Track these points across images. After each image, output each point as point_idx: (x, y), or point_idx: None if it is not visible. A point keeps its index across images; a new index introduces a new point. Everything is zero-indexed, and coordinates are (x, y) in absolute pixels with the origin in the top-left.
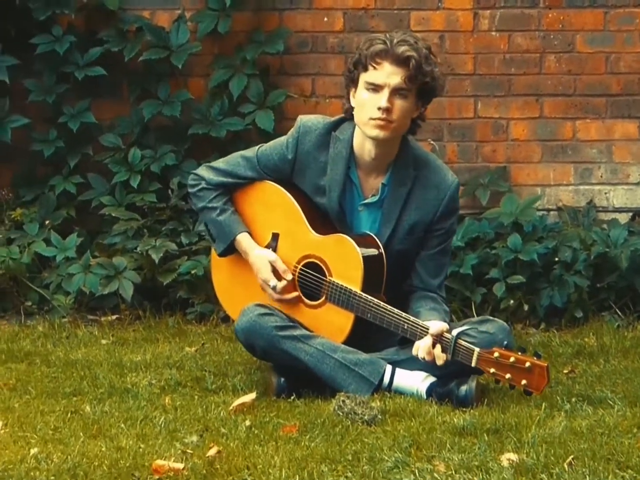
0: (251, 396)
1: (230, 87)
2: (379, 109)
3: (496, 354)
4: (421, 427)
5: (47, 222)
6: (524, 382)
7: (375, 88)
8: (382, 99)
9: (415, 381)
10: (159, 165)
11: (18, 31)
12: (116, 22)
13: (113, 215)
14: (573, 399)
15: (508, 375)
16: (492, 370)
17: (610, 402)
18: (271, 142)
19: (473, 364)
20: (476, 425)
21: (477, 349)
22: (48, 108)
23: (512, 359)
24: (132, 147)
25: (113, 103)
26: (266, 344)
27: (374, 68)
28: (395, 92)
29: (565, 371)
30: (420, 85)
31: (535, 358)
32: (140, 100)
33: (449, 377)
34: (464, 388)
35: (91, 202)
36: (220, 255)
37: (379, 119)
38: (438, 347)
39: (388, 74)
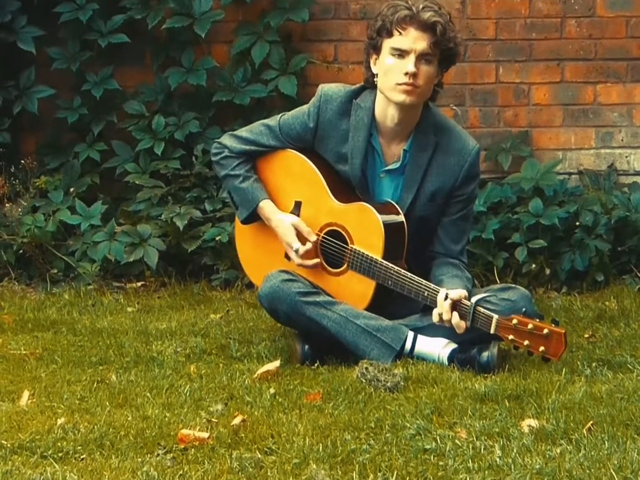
0: (275, 364)
1: (253, 54)
2: (406, 74)
3: (514, 321)
4: (443, 394)
5: (71, 189)
6: (542, 348)
7: (401, 53)
8: (409, 63)
9: (437, 347)
10: (182, 132)
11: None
12: None
13: (137, 182)
14: (593, 364)
15: (526, 342)
16: (510, 337)
17: (630, 367)
18: (293, 111)
19: (492, 331)
20: (497, 392)
21: (495, 316)
22: (72, 76)
23: (530, 326)
24: (156, 114)
25: (136, 70)
26: (289, 309)
27: (400, 33)
28: (421, 57)
29: (586, 335)
30: (444, 51)
31: (553, 325)
32: (164, 67)
33: (470, 343)
34: (485, 354)
35: (115, 169)
36: (243, 222)
37: (405, 84)
38: (456, 314)
39: (414, 39)
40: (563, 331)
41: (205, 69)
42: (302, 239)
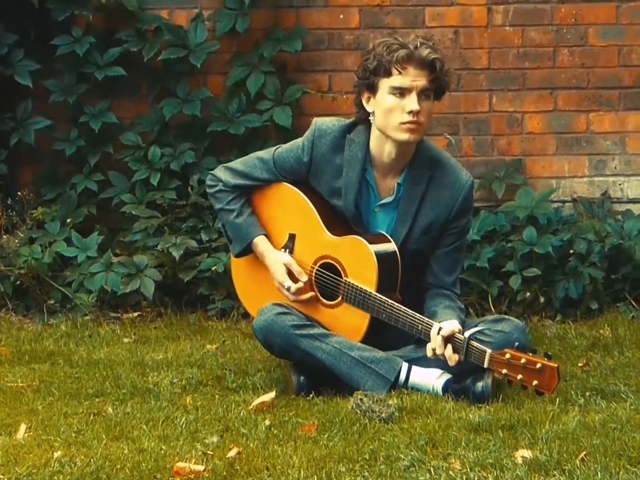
0: (271, 395)
1: (248, 84)
2: (410, 112)
3: (508, 355)
4: (437, 424)
5: (68, 220)
6: (535, 382)
7: (402, 92)
8: (412, 102)
9: (431, 378)
10: (178, 163)
11: (37, 33)
12: (135, 22)
13: (133, 213)
14: (587, 393)
15: (520, 376)
16: (504, 371)
17: (624, 396)
18: (287, 145)
19: (485, 365)
20: (491, 422)
21: (489, 350)
22: (69, 108)
23: (523, 361)
24: (152, 145)
25: (133, 102)
26: (284, 342)
27: (399, 72)
28: (421, 94)
29: (580, 364)
30: (440, 86)
31: (545, 359)
32: (160, 98)
33: (465, 373)
34: (480, 384)
35: (112, 200)
36: (237, 256)
37: (410, 122)
38: (449, 347)
39: (414, 77)
40: (556, 365)
41: (200, 100)
42: (294, 278)
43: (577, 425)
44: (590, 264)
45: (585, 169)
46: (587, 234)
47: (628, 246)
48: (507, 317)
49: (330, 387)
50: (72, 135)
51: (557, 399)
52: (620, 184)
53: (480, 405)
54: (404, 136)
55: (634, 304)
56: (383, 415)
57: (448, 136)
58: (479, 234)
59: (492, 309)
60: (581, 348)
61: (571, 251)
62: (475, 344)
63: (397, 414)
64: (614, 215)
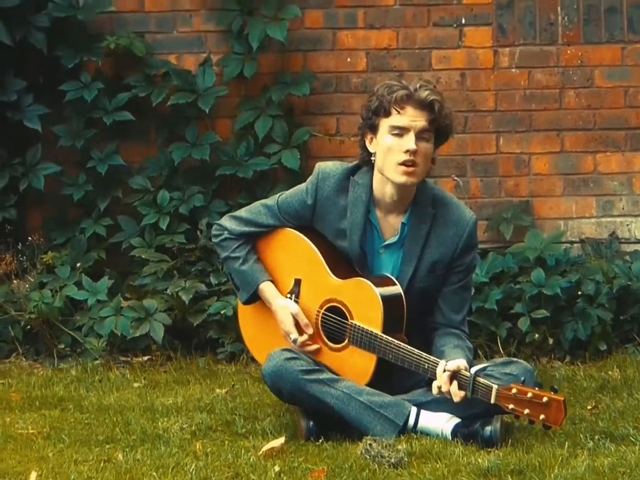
0: (280, 440)
1: (256, 128)
2: (407, 151)
3: (514, 390)
4: (446, 469)
5: (78, 265)
6: (542, 416)
7: (400, 132)
8: (409, 141)
9: (440, 422)
10: (187, 206)
11: (47, 78)
12: (143, 68)
13: (143, 257)
14: (596, 437)
15: (527, 411)
16: (511, 406)
17: (632, 439)
18: (291, 190)
19: (492, 401)
20: (500, 467)
21: (495, 386)
22: (77, 152)
23: (529, 395)
24: (161, 189)
25: (141, 146)
26: (293, 387)
27: (398, 112)
28: (419, 134)
29: (589, 407)
30: (440, 128)
31: (552, 392)
32: (168, 142)
33: (473, 418)
34: (488, 428)
35: (121, 244)
36: (245, 303)
37: (406, 162)
38: (455, 384)
39: (413, 117)
40: (562, 398)
41: (209, 144)
42: (300, 329)
43: (586, 470)
44: (599, 305)
45: (592, 210)
46: (595, 275)
47: (636, 287)
48: (515, 359)
49: (339, 431)
50: (80, 180)
51: (566, 442)
52: (627, 225)
53: (489, 449)
54: (401, 179)
55: None
56: (392, 460)
57: (456, 178)
58: (487, 276)
59: (501, 350)
60: (590, 390)
61: (579, 292)
62: (481, 380)
63: (406, 459)
64: (622, 256)
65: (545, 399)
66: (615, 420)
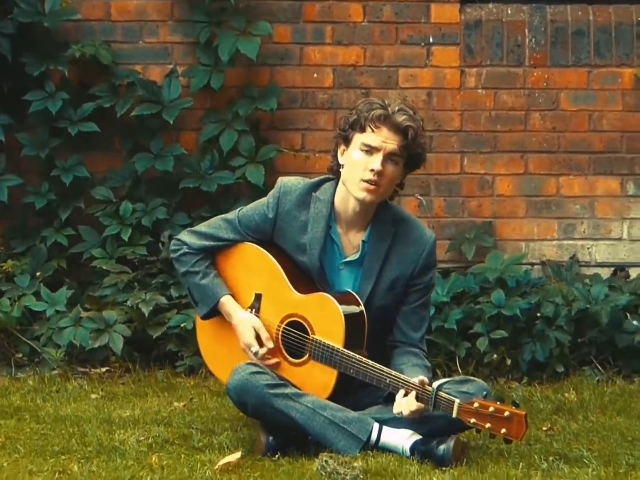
0: (236, 455)
1: (221, 141)
2: (372, 170)
3: (476, 405)
4: None
5: (38, 274)
6: (503, 430)
7: (370, 150)
8: (376, 161)
9: (401, 438)
10: (150, 219)
11: (11, 87)
12: (109, 77)
13: (104, 268)
14: (550, 458)
15: (488, 425)
16: (472, 420)
17: (586, 461)
18: (252, 204)
19: (454, 415)
20: None
21: (457, 400)
22: (41, 161)
23: (491, 409)
24: (124, 200)
25: (105, 156)
26: (258, 401)
27: (372, 131)
28: (388, 157)
29: (544, 428)
30: (411, 155)
31: (513, 407)
32: (133, 153)
33: (433, 435)
34: (442, 447)
35: (82, 254)
36: (203, 318)
37: (369, 180)
38: (413, 395)
39: (385, 139)
40: (524, 413)
41: (173, 156)
42: (260, 341)
43: None
44: (557, 327)
45: (554, 232)
46: (554, 298)
47: (594, 311)
48: (472, 378)
49: (296, 447)
50: (43, 189)
51: (521, 463)
52: (588, 248)
53: (444, 468)
54: (361, 194)
55: (600, 368)
56: (348, 477)
57: (419, 197)
58: (447, 296)
59: (460, 370)
60: (546, 411)
61: (538, 314)
62: (443, 394)
63: (361, 477)
64: (582, 279)
65: (507, 413)
66: (569, 442)
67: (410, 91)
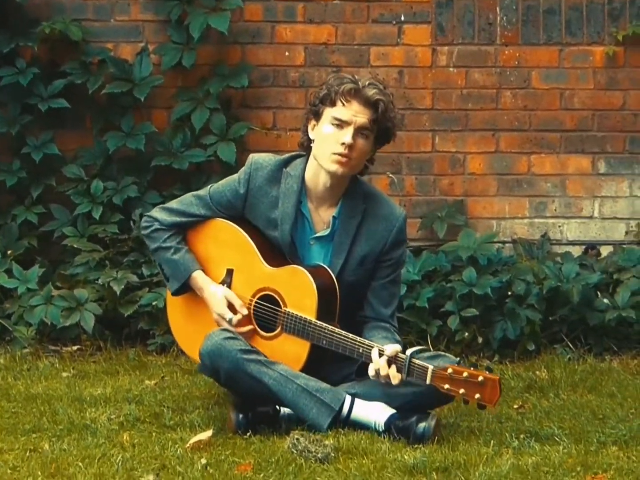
0: (208, 433)
1: (193, 119)
2: (343, 144)
3: (450, 370)
4: (372, 465)
5: (9, 252)
6: (477, 396)
7: (341, 124)
8: (347, 134)
9: (374, 412)
10: (121, 197)
11: None
12: (79, 54)
13: (75, 246)
14: (521, 436)
15: (462, 390)
16: (446, 386)
17: (557, 439)
18: (223, 180)
19: (427, 381)
20: (426, 463)
21: (430, 367)
22: (12, 138)
23: (465, 374)
24: (95, 178)
25: (77, 134)
26: (231, 366)
27: (343, 104)
28: (359, 130)
29: (515, 406)
30: (382, 129)
31: (487, 372)
32: (104, 131)
33: (407, 410)
34: (422, 425)
35: (53, 232)
36: (174, 293)
37: (340, 154)
38: (393, 367)
39: (356, 112)
40: (497, 377)
41: (144, 134)
42: (234, 310)
43: (511, 469)
44: (528, 305)
45: (525, 211)
46: (525, 276)
47: (566, 289)
48: (442, 353)
49: (267, 425)
50: (14, 166)
51: (492, 441)
52: (560, 226)
53: (415, 446)
54: (332, 167)
55: (571, 346)
56: (319, 455)
57: (391, 175)
58: (419, 274)
59: (431, 348)
60: (517, 389)
61: (510, 292)
62: (417, 361)
63: (333, 454)
64: (553, 257)
65: (480, 378)
66: (540, 420)
67: (381, 69)
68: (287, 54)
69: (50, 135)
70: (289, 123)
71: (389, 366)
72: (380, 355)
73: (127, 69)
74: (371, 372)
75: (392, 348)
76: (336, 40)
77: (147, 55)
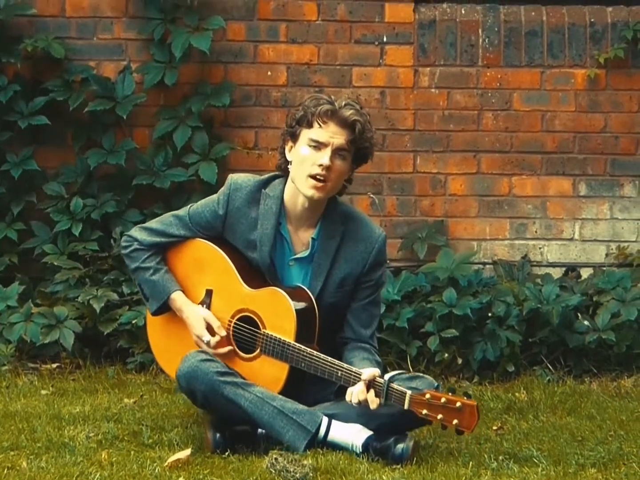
0: (186, 452)
1: (174, 138)
2: (320, 165)
3: (428, 396)
4: None
5: None
6: (455, 421)
7: (318, 145)
8: (325, 156)
9: (351, 433)
10: (99, 212)
11: None
12: (62, 72)
13: (55, 263)
14: (500, 457)
15: (440, 416)
16: (424, 411)
17: (536, 461)
18: (202, 200)
19: (406, 407)
20: None
21: (408, 392)
22: None
23: (443, 400)
24: (75, 196)
25: (58, 151)
26: (207, 388)
27: (320, 126)
28: (336, 152)
29: (494, 427)
30: (359, 149)
31: (465, 398)
32: (86, 148)
33: (384, 429)
34: (400, 446)
35: (34, 249)
36: (154, 314)
37: (317, 176)
38: (371, 391)
39: (333, 134)
40: (475, 403)
41: (126, 151)
42: (212, 331)
43: None
44: (508, 327)
45: (506, 232)
46: (505, 297)
47: (545, 310)
48: (421, 374)
49: (246, 444)
50: None
51: (471, 462)
52: (540, 248)
53: (394, 467)
54: (309, 192)
55: (550, 367)
56: (297, 475)
57: (372, 196)
58: (399, 294)
59: (411, 369)
60: (496, 411)
61: (490, 314)
62: (395, 386)
63: (311, 474)
64: (534, 279)
65: (458, 404)
66: (519, 442)
67: (363, 90)
68: (269, 73)
69: (30, 151)
70: (270, 142)
71: (367, 390)
72: (358, 380)
73: (110, 87)
74: (348, 396)
75: (369, 372)
76: (318, 61)
77: (129, 74)
